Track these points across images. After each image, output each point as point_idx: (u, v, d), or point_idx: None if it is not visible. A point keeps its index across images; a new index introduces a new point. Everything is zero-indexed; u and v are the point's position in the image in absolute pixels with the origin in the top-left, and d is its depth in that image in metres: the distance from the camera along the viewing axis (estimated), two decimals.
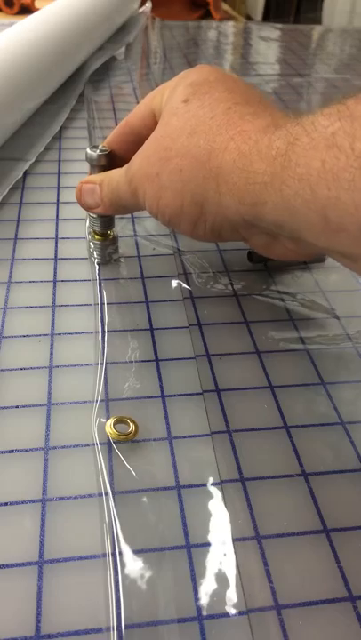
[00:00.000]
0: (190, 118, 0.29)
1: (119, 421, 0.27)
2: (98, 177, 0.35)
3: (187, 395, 0.29)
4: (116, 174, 0.33)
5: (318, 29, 1.04)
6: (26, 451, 0.26)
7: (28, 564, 0.22)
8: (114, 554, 0.22)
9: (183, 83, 0.31)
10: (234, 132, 0.27)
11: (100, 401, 0.28)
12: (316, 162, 0.22)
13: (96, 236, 0.37)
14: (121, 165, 0.34)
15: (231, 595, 0.21)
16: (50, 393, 0.29)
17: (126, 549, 0.22)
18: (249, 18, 2.01)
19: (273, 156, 0.24)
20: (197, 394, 0.29)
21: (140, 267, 0.38)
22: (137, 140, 0.34)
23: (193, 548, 0.23)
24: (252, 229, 0.29)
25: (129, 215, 0.42)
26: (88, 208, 0.36)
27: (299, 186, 0.23)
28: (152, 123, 0.33)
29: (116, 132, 0.35)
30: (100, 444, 0.26)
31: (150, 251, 0.39)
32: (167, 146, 0.29)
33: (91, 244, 0.38)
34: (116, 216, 0.37)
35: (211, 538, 0.23)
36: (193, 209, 0.29)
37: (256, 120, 0.27)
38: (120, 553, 0.22)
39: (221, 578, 0.22)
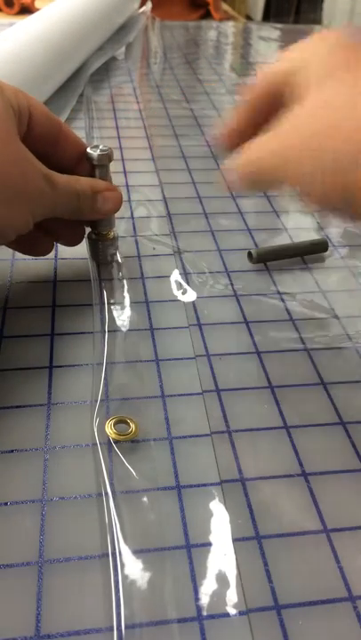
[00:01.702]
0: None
1: (119, 421, 0.27)
2: None
3: (187, 395, 0.29)
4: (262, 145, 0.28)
5: (318, 29, 1.04)
6: (26, 451, 0.26)
7: (28, 563, 0.22)
8: (114, 554, 0.22)
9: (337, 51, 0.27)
10: None
11: (100, 401, 0.28)
12: None
13: (96, 236, 0.37)
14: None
15: (231, 595, 0.21)
16: (50, 393, 0.29)
17: (126, 549, 0.22)
18: (249, 18, 2.01)
19: None
20: (197, 394, 0.29)
21: (140, 267, 0.38)
22: (261, 122, 0.29)
23: (193, 548, 0.23)
24: None
25: (129, 215, 0.42)
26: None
27: None
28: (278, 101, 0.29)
29: (240, 113, 0.31)
30: (100, 443, 0.26)
31: (150, 251, 0.39)
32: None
33: (91, 243, 0.38)
34: (116, 216, 0.37)
35: (211, 538, 0.23)
36: None
37: None
38: (120, 553, 0.22)
39: (221, 578, 0.22)
